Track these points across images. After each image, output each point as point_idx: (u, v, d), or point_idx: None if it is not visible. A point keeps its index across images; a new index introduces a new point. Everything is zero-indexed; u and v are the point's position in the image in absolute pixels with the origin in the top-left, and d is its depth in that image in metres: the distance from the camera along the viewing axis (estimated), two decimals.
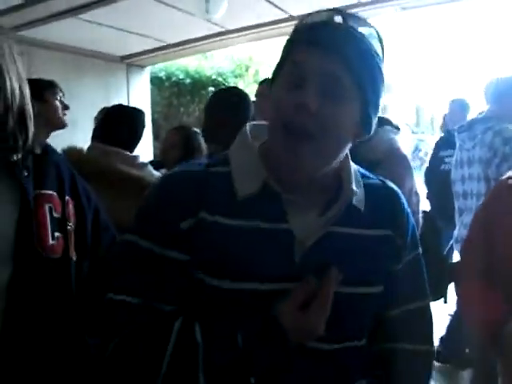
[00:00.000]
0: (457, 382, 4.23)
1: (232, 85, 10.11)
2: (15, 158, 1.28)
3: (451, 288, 2.06)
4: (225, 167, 1.17)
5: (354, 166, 1.23)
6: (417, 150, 19.34)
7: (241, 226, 1.11)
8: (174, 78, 10.14)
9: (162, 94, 9.98)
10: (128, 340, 1.09)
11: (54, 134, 2.87)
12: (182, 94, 10.20)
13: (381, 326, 1.24)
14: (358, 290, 1.16)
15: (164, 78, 10.02)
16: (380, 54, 1.12)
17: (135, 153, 2.77)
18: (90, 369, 1.31)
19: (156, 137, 7.93)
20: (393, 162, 1.98)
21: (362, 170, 1.27)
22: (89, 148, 2.59)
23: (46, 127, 2.83)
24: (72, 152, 2.48)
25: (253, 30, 6.52)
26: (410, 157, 2.41)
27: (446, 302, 2.39)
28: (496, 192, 1.88)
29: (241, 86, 10.13)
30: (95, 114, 3.59)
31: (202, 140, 3.58)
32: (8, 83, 1.25)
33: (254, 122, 1.29)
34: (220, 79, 10.45)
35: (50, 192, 1.34)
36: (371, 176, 1.27)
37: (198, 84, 10.15)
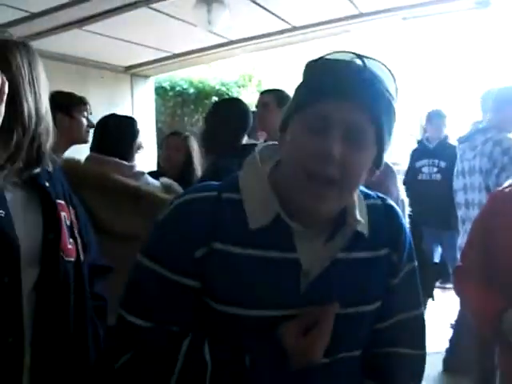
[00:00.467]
0: None
1: (235, 94, 10.18)
2: (36, 171, 1.38)
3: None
4: (236, 194, 1.18)
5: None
6: None
7: (251, 255, 1.14)
8: (178, 88, 10.20)
9: (166, 104, 10.04)
10: (139, 356, 1.13)
11: None
12: (185, 103, 10.26)
13: (374, 334, 1.28)
14: (357, 309, 1.20)
15: (168, 87, 10.08)
16: (395, 96, 1.15)
17: (138, 162, 2.79)
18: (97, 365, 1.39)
19: (160, 146, 7.98)
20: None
21: (363, 189, 1.29)
22: (86, 158, 2.62)
23: (68, 140, 2.91)
24: (68, 163, 2.52)
25: (255, 41, 6.59)
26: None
27: (433, 299, 2.47)
28: (492, 201, 1.95)
29: (244, 95, 10.20)
30: None
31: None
32: (25, 108, 1.32)
33: (263, 144, 1.31)
34: (223, 89, 10.52)
35: (62, 202, 1.44)
36: (371, 194, 1.30)
37: (201, 94, 10.21)
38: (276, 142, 1.28)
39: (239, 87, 10.94)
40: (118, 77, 7.43)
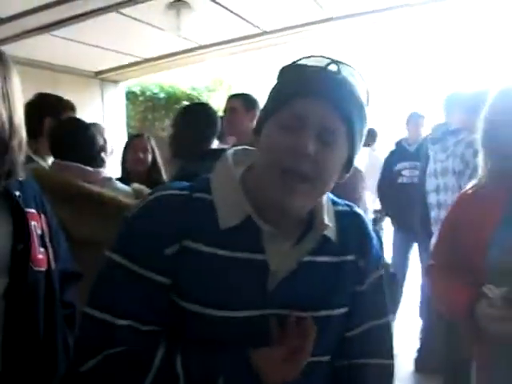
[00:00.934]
0: None
1: (206, 99, 10.19)
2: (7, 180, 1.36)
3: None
4: (207, 195, 1.20)
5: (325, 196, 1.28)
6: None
7: (220, 255, 1.15)
8: (148, 93, 10.17)
9: (136, 109, 9.99)
10: (109, 362, 1.12)
11: None
12: (156, 108, 10.23)
13: (344, 344, 1.30)
14: (322, 313, 1.22)
15: (138, 92, 10.04)
16: (367, 101, 1.18)
17: (109, 167, 2.77)
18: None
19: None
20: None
21: (331, 196, 1.32)
22: (50, 166, 2.59)
23: None
24: (37, 170, 2.50)
25: (225, 45, 6.61)
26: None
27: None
28: (458, 201, 2.03)
29: (215, 100, 10.21)
30: None
31: None
32: (15, 118, 1.33)
33: (237, 148, 1.32)
34: (194, 94, 10.51)
35: (33, 210, 1.43)
36: (339, 202, 1.33)
37: (172, 99, 10.19)
38: (248, 147, 1.30)
39: (210, 92, 10.95)
40: (87, 82, 7.38)
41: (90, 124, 2.70)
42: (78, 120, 2.74)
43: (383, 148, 7.18)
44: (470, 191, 1.95)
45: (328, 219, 1.23)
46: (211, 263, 1.15)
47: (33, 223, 1.40)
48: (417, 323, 5.34)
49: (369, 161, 6.52)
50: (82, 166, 2.49)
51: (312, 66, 1.16)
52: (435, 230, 3.85)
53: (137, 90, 9.97)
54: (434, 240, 3.88)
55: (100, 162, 2.60)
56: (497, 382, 1.77)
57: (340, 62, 1.16)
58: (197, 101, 9.63)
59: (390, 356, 1.35)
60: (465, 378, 1.95)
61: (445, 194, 3.77)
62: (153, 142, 4.01)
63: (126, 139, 7.43)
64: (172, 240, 1.15)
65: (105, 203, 2.37)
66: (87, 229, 2.23)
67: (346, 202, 1.34)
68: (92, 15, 5.17)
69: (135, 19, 5.41)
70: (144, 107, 10.19)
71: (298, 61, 1.19)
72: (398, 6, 5.60)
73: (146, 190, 2.70)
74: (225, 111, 3.67)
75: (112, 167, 2.80)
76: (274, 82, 1.22)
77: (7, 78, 1.34)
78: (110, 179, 2.69)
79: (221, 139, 3.20)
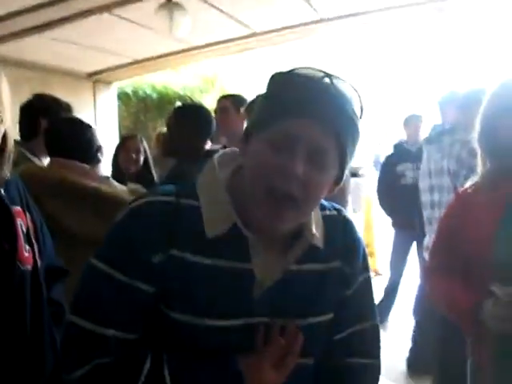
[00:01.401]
0: None
1: (198, 100, 10.19)
2: None
3: None
4: (194, 201, 1.18)
5: None
6: (377, 163, 19.71)
7: (206, 264, 1.14)
8: (140, 94, 10.17)
9: (129, 110, 9.99)
10: (98, 374, 1.12)
11: None
12: (148, 109, 10.23)
13: (331, 346, 1.31)
14: (309, 320, 1.23)
15: (131, 93, 10.04)
16: (360, 117, 1.14)
17: (100, 167, 2.78)
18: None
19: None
20: None
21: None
22: (48, 164, 2.58)
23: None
24: (30, 169, 2.50)
25: (218, 46, 6.63)
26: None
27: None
28: (457, 200, 2.03)
29: (207, 100, 10.22)
30: None
31: None
32: (5, 120, 1.33)
33: (222, 152, 1.29)
34: (187, 94, 10.52)
35: (19, 208, 1.43)
36: (327, 206, 1.31)
37: (164, 99, 10.19)
38: (235, 149, 1.28)
39: (202, 92, 10.96)
40: (80, 83, 7.38)
41: (78, 120, 2.71)
42: (77, 119, 2.73)
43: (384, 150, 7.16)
44: (469, 191, 1.95)
45: (316, 226, 1.22)
46: (197, 272, 1.14)
47: (18, 221, 1.39)
48: (410, 323, 5.38)
49: None
50: (81, 163, 2.48)
51: (305, 82, 1.11)
52: (428, 229, 3.87)
53: (129, 90, 9.97)
54: (429, 240, 3.90)
55: (97, 162, 2.61)
56: (498, 381, 1.78)
57: (333, 77, 1.12)
58: (190, 101, 9.65)
59: (377, 356, 1.36)
60: (460, 378, 1.96)
61: (439, 193, 3.76)
62: (145, 143, 4.03)
63: (118, 140, 7.47)
64: (158, 248, 1.13)
65: (101, 199, 2.37)
66: (86, 227, 2.23)
67: (334, 206, 1.34)
68: (84, 16, 5.18)
69: (127, 20, 5.42)
70: (136, 108, 10.19)
71: (289, 71, 1.14)
72: (390, 7, 5.63)
73: (140, 189, 2.71)
74: (216, 112, 3.68)
75: (104, 167, 2.80)
76: (265, 90, 1.18)
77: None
78: (107, 178, 2.70)
79: (213, 140, 3.21)
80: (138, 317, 1.15)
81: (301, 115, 1.08)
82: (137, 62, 7.09)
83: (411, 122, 5.71)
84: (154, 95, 10.25)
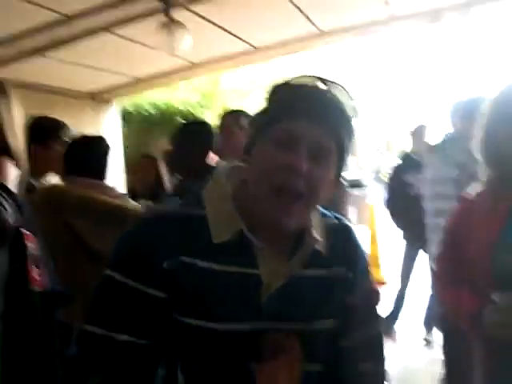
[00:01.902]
0: None
1: (200, 115, 10.24)
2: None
3: None
4: (201, 210, 1.22)
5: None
6: (377, 173, 19.76)
7: (214, 270, 1.18)
8: (142, 112, 10.24)
9: (131, 128, 10.05)
10: (113, 380, 1.15)
11: None
12: (151, 127, 10.29)
13: (336, 354, 1.34)
14: (312, 325, 1.26)
15: (133, 111, 10.10)
16: (354, 117, 1.22)
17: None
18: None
19: (128, 170, 7.97)
20: None
21: (320, 209, 1.35)
22: (65, 182, 2.59)
23: (45, 170, 2.85)
24: (54, 188, 2.52)
25: (217, 62, 6.68)
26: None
27: None
28: (462, 207, 2.04)
29: (208, 116, 10.27)
30: None
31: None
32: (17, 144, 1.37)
33: (227, 165, 1.35)
34: (188, 110, 10.57)
35: (27, 232, 1.45)
36: (327, 214, 1.36)
37: (166, 116, 10.26)
38: (240, 163, 1.32)
39: (203, 108, 11.02)
40: (83, 103, 7.41)
41: (100, 138, 2.74)
42: (95, 137, 2.80)
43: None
44: (471, 199, 1.97)
45: (318, 233, 1.27)
46: (207, 278, 1.18)
47: (28, 244, 1.42)
48: (418, 333, 5.39)
49: None
50: (101, 181, 2.53)
51: (302, 86, 1.19)
52: (431, 237, 3.87)
53: (131, 109, 10.03)
54: (436, 248, 3.90)
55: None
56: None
57: (329, 81, 1.20)
58: (191, 117, 9.69)
59: (382, 363, 1.40)
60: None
61: (442, 201, 3.75)
62: (161, 163, 4.06)
63: (122, 159, 7.50)
64: (168, 255, 1.17)
65: (129, 217, 2.40)
66: (112, 243, 2.26)
67: (335, 215, 1.38)
68: (85, 36, 5.22)
69: (128, 39, 5.47)
70: (139, 126, 10.25)
71: (287, 81, 1.23)
72: (386, 20, 5.68)
73: (154, 205, 2.74)
74: (220, 128, 3.70)
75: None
76: (265, 100, 1.25)
77: (6, 108, 1.38)
78: (125, 195, 2.76)
79: (220, 156, 3.24)
80: (150, 323, 1.18)
81: (300, 116, 1.15)
82: (138, 80, 7.13)
83: (418, 132, 5.72)
84: (156, 113, 10.31)
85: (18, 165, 1.39)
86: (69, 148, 2.66)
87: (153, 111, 10.31)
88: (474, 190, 1.99)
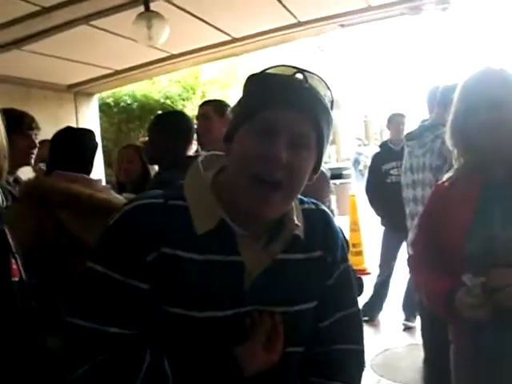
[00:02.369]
0: None
1: (180, 107, 10.21)
2: None
3: None
4: (182, 201, 1.23)
5: None
6: (356, 162, 19.92)
7: (197, 259, 1.19)
8: (122, 104, 10.18)
9: (110, 121, 10.00)
10: (99, 369, 1.15)
11: None
12: (130, 119, 10.25)
13: (315, 334, 1.36)
14: (295, 307, 1.28)
15: (112, 104, 10.04)
16: (331, 107, 1.23)
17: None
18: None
19: (107, 163, 7.94)
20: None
21: (298, 196, 1.36)
22: (49, 176, 2.54)
23: (16, 163, 2.83)
24: (38, 182, 2.50)
25: (197, 54, 6.66)
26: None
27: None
28: (436, 193, 2.08)
29: (189, 108, 10.25)
30: None
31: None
32: None
33: (205, 154, 1.37)
34: (168, 102, 10.54)
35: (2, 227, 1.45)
36: (305, 200, 1.37)
37: (146, 108, 10.22)
38: (218, 152, 1.34)
39: (183, 100, 10.99)
40: (61, 96, 7.37)
41: (89, 132, 2.71)
42: (80, 130, 2.76)
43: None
44: (446, 183, 2.00)
45: (297, 219, 1.28)
46: (189, 268, 1.18)
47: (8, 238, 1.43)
48: (399, 320, 5.45)
49: None
50: (86, 176, 2.50)
51: (280, 76, 1.20)
52: (411, 224, 3.91)
53: (110, 101, 9.96)
54: (410, 235, 3.94)
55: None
56: (476, 363, 1.83)
57: (305, 71, 1.20)
58: (171, 109, 9.66)
59: (361, 342, 1.42)
60: (444, 362, 2.04)
61: (422, 189, 3.79)
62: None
63: (101, 152, 7.46)
64: (151, 247, 1.18)
65: (114, 210, 2.38)
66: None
67: (312, 200, 1.40)
68: (62, 28, 5.19)
69: (106, 31, 5.44)
70: (118, 118, 10.20)
71: (264, 70, 1.24)
72: (364, 9, 5.70)
73: None
74: (197, 118, 3.70)
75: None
76: (243, 90, 1.26)
77: None
78: (109, 188, 2.73)
79: (199, 145, 3.24)
80: (136, 313, 1.19)
81: (279, 105, 1.15)
82: (117, 72, 7.09)
83: (394, 121, 5.79)
84: (135, 105, 10.26)
85: None
86: (55, 140, 2.61)
87: (132, 103, 10.26)
88: (447, 175, 2.02)
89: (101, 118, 8.78)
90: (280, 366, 1.25)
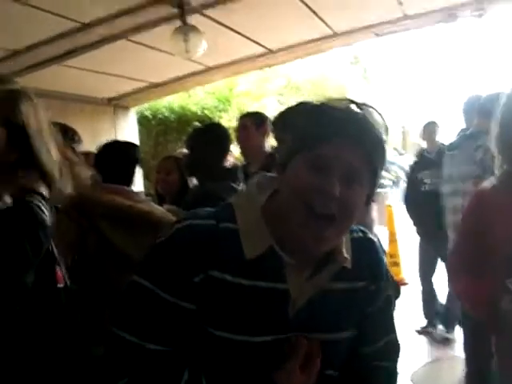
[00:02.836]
0: None
1: (216, 119, 10.28)
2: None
3: None
4: (232, 224, 1.23)
5: None
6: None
7: (244, 284, 1.19)
8: (159, 116, 10.29)
9: (148, 133, 10.09)
10: (142, 378, 1.18)
11: None
12: (168, 131, 10.34)
13: (354, 361, 1.37)
14: (336, 335, 1.30)
15: (150, 116, 10.16)
16: (386, 139, 1.24)
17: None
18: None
19: (146, 176, 8.02)
20: None
21: None
22: (93, 188, 2.61)
23: None
24: (81, 194, 2.56)
25: (232, 66, 6.72)
26: None
27: None
28: (479, 199, 2.05)
29: (225, 119, 10.30)
30: None
31: None
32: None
33: (259, 176, 1.36)
34: (205, 114, 10.61)
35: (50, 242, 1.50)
36: (354, 229, 1.36)
37: (183, 120, 10.29)
38: (272, 174, 1.34)
39: (220, 111, 11.06)
40: (100, 109, 7.50)
41: (133, 145, 2.78)
42: (122, 142, 2.83)
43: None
44: (488, 190, 1.98)
45: (346, 249, 1.28)
46: (236, 292, 1.19)
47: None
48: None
49: None
50: (128, 188, 2.56)
51: (337, 108, 1.21)
52: (451, 233, 3.86)
53: (148, 113, 10.08)
54: (453, 240, 3.89)
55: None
56: None
57: (362, 104, 1.22)
58: (208, 120, 9.74)
59: (396, 361, 1.44)
60: (486, 374, 2.03)
61: (463, 199, 3.75)
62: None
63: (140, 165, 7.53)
64: (199, 269, 1.18)
65: (158, 223, 2.43)
66: (141, 249, 2.28)
67: (361, 228, 1.39)
68: (102, 44, 5.30)
69: (144, 45, 5.53)
70: (156, 131, 10.30)
71: (322, 103, 1.25)
72: (397, 18, 5.68)
73: (177, 210, 2.75)
74: (237, 130, 3.75)
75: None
76: (295, 118, 1.30)
77: (39, 115, 1.46)
78: (149, 200, 2.79)
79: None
80: (179, 332, 1.21)
81: (334, 138, 1.16)
82: (155, 85, 7.19)
83: (427, 130, 5.74)
84: (173, 117, 10.36)
85: (47, 179, 1.45)
86: (100, 153, 2.69)
87: (169, 115, 10.36)
88: (488, 183, 1.99)
89: (139, 130, 8.87)
90: None
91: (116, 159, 2.60)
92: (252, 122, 3.65)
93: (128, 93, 7.41)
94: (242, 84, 12.01)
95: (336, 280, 1.28)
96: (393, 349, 1.43)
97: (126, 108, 8.08)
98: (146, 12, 4.81)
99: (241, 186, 2.80)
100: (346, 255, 1.27)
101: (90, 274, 2.24)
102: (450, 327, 5.36)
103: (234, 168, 3.24)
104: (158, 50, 5.71)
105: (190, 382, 1.18)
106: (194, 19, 5.02)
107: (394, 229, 8.26)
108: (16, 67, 5.38)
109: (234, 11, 5.01)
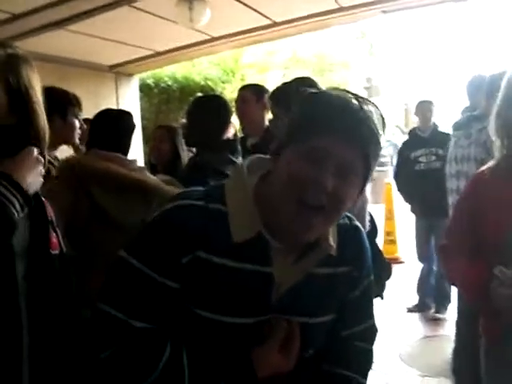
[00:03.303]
0: None
1: (220, 90, 10.24)
2: None
3: None
4: (222, 206, 1.25)
5: None
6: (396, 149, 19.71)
7: (230, 266, 1.22)
8: (162, 85, 10.24)
9: (151, 101, 10.07)
10: (120, 355, 1.21)
11: None
12: (170, 100, 10.30)
13: (332, 344, 1.41)
14: (315, 319, 1.34)
15: (152, 84, 10.11)
16: (383, 134, 1.25)
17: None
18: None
19: (146, 143, 8.02)
20: None
21: None
22: (86, 154, 2.64)
23: (59, 141, 2.89)
24: (72, 159, 2.57)
25: (237, 37, 6.66)
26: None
27: (382, 298, 2.58)
28: (475, 183, 2.05)
29: (229, 90, 10.27)
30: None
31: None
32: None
33: (251, 158, 1.37)
34: (208, 84, 10.56)
35: (43, 198, 1.50)
36: None
37: (186, 90, 10.25)
38: (263, 156, 1.35)
39: (223, 82, 11.01)
40: (102, 76, 7.46)
41: (127, 113, 2.77)
42: (116, 110, 2.85)
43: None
44: (486, 174, 1.96)
45: (332, 237, 1.31)
46: (221, 274, 1.22)
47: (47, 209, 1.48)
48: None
49: None
50: (122, 155, 2.57)
51: (335, 103, 1.21)
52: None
53: (150, 82, 10.03)
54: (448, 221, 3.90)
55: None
56: (507, 356, 1.82)
57: (361, 98, 1.22)
58: (211, 92, 9.70)
59: (372, 344, 1.48)
60: (474, 355, 2.04)
61: (465, 180, 3.74)
62: (178, 134, 3.99)
63: (140, 132, 7.54)
64: (187, 251, 1.21)
65: (149, 191, 2.46)
66: (135, 216, 2.29)
67: (347, 215, 1.41)
68: (105, 9, 5.24)
69: (148, 12, 5.47)
70: (158, 99, 10.27)
71: (322, 92, 1.28)
72: None
73: (172, 179, 2.77)
74: (236, 101, 3.74)
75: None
76: (296, 106, 1.27)
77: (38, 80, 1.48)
78: (144, 168, 2.80)
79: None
80: (164, 310, 1.24)
81: (333, 132, 1.17)
82: (158, 54, 7.14)
83: (421, 108, 5.73)
84: (176, 86, 10.31)
85: (40, 145, 1.45)
86: (95, 121, 2.70)
87: (172, 84, 10.31)
88: (488, 165, 1.99)
89: (141, 98, 8.84)
90: (295, 370, 1.29)
91: (107, 127, 2.61)
92: (252, 95, 3.64)
93: (130, 60, 7.36)
94: (247, 56, 11.94)
95: (320, 265, 1.31)
96: (370, 333, 1.47)
97: (129, 75, 8.04)
98: None
99: (239, 159, 2.80)
100: (331, 243, 1.29)
101: (81, 238, 2.26)
102: (440, 307, 5.41)
103: (234, 140, 3.24)
104: (162, 18, 5.65)
105: (172, 359, 1.21)
106: None
107: (392, 206, 8.29)
108: (18, 30, 5.33)
109: None
